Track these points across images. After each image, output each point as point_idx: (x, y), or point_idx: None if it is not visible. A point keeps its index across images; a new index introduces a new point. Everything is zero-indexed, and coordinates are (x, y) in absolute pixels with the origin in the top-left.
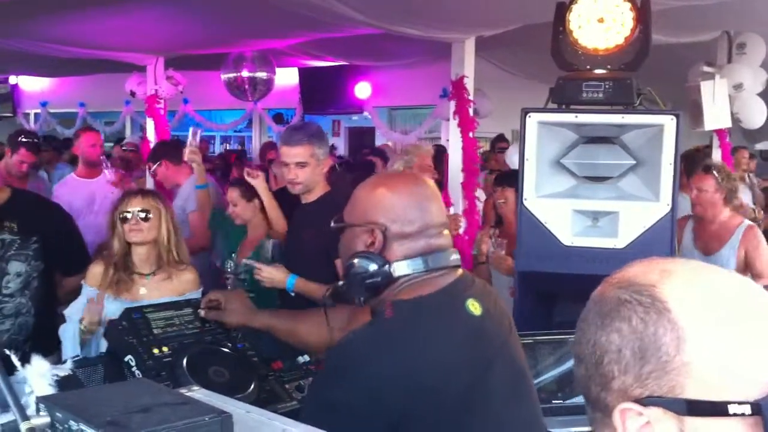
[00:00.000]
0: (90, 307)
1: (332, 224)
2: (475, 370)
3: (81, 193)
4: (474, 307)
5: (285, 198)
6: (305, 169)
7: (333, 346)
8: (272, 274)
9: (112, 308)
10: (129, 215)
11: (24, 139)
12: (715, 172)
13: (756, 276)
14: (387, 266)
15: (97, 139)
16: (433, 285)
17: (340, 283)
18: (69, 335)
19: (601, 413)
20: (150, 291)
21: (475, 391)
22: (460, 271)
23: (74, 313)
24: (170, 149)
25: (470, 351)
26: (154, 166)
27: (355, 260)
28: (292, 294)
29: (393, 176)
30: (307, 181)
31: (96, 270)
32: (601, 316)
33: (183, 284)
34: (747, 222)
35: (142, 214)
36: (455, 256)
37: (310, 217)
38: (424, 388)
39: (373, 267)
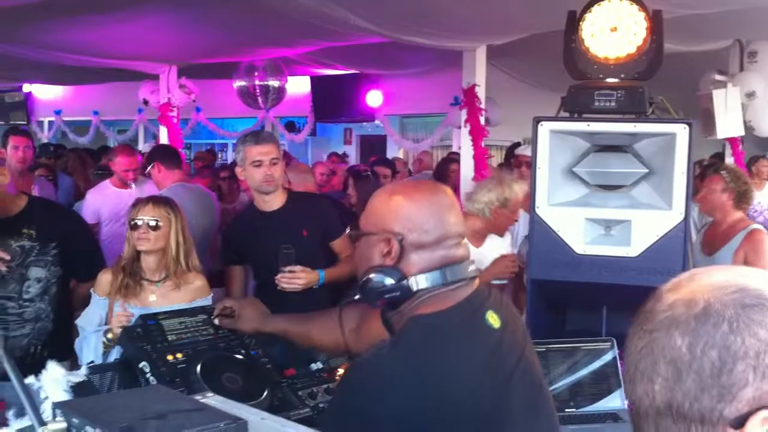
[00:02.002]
0: (119, 317)
1: (348, 232)
2: (497, 384)
3: (111, 202)
4: (493, 319)
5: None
6: (277, 166)
7: (354, 365)
8: (308, 277)
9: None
10: (140, 223)
11: (8, 129)
12: (723, 173)
13: None
14: (405, 281)
15: (131, 164)
16: (452, 298)
17: (357, 296)
18: (89, 346)
19: (704, 427)
20: (159, 298)
21: (499, 404)
22: (477, 282)
23: (87, 323)
24: (164, 153)
25: (493, 365)
26: (149, 168)
27: (372, 275)
28: (317, 288)
29: (410, 184)
30: (279, 179)
31: (105, 279)
32: (726, 322)
33: (192, 292)
34: (753, 226)
35: (153, 223)
36: (473, 267)
37: (297, 215)
38: (450, 405)
39: (390, 281)
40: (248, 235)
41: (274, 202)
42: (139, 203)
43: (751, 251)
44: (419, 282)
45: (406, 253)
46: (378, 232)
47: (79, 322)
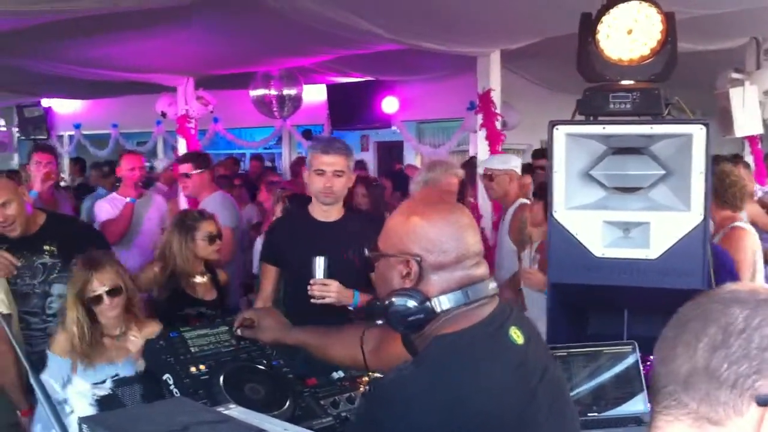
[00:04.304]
0: None
1: (366, 254)
2: (522, 401)
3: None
4: (517, 335)
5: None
6: (341, 178)
7: (378, 384)
8: (341, 292)
9: (90, 376)
10: (100, 296)
11: (35, 145)
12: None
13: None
14: (428, 302)
15: (137, 162)
16: (474, 316)
17: (379, 322)
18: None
19: (733, 392)
20: (122, 351)
21: (524, 421)
22: (497, 299)
23: (50, 388)
24: (209, 161)
25: (517, 382)
26: (197, 171)
27: (394, 299)
28: (352, 309)
29: (427, 204)
30: (339, 192)
31: (63, 338)
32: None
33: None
34: (734, 224)
35: (114, 288)
36: (493, 285)
37: (347, 234)
38: (476, 423)
39: (413, 304)
40: (292, 238)
41: (330, 213)
42: (82, 272)
43: (728, 248)
44: (442, 303)
45: (426, 274)
46: (396, 253)
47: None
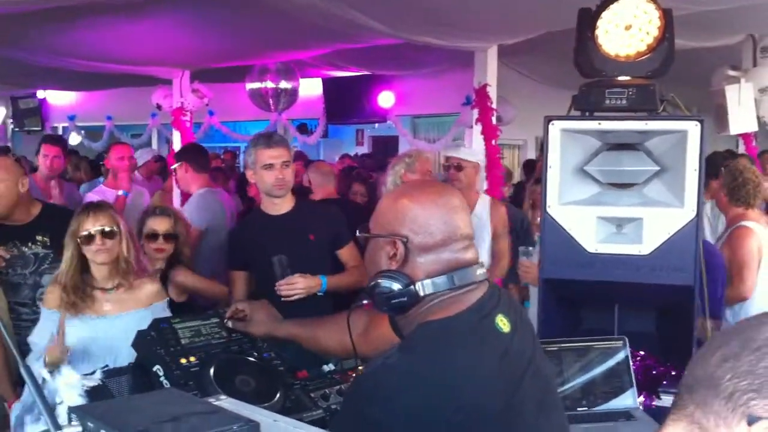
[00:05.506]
0: (53, 350)
1: (358, 234)
2: (507, 390)
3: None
4: (503, 323)
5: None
6: (289, 169)
7: (365, 373)
8: (308, 283)
9: (77, 327)
10: (93, 232)
11: (45, 136)
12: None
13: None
14: (412, 286)
15: (125, 152)
16: (461, 303)
17: (366, 301)
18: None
19: (727, 404)
20: (114, 305)
21: (509, 409)
22: (486, 284)
23: (40, 339)
24: (194, 154)
25: (502, 371)
26: (175, 165)
27: (379, 280)
28: (321, 294)
29: (417, 187)
30: (290, 182)
31: (54, 291)
32: None
33: (148, 296)
34: (741, 223)
35: (108, 229)
36: (481, 271)
37: (304, 219)
38: (461, 412)
39: (397, 286)
40: (254, 238)
41: (282, 205)
42: (81, 214)
43: (728, 248)
44: (426, 287)
45: (412, 256)
46: (385, 234)
47: (31, 338)
